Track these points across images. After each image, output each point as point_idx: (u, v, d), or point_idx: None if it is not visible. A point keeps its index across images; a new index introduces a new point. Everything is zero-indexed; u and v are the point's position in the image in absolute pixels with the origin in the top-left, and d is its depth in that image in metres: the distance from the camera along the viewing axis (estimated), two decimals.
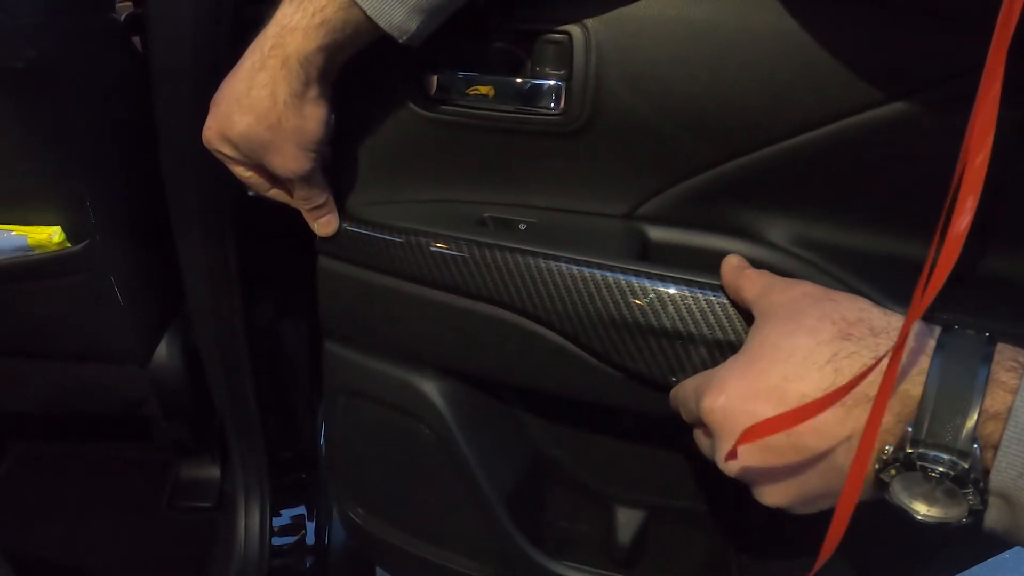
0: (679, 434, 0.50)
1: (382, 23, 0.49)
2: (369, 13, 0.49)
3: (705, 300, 0.53)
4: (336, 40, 0.50)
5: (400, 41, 0.51)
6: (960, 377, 0.36)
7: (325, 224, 0.63)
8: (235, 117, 0.53)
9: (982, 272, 0.56)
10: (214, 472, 1.13)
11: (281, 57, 0.50)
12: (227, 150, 0.56)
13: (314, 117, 0.54)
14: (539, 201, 0.62)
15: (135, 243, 0.85)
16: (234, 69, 0.54)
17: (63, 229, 0.78)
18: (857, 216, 0.57)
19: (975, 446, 0.35)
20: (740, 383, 0.41)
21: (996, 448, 0.35)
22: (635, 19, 0.53)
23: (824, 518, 0.42)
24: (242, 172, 0.58)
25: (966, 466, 0.35)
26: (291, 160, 0.55)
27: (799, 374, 0.40)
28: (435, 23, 0.52)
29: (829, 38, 0.50)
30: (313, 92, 0.53)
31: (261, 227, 0.80)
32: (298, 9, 0.49)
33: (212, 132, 0.55)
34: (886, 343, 0.39)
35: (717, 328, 0.53)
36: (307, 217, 0.63)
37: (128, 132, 0.82)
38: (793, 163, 0.55)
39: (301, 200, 0.61)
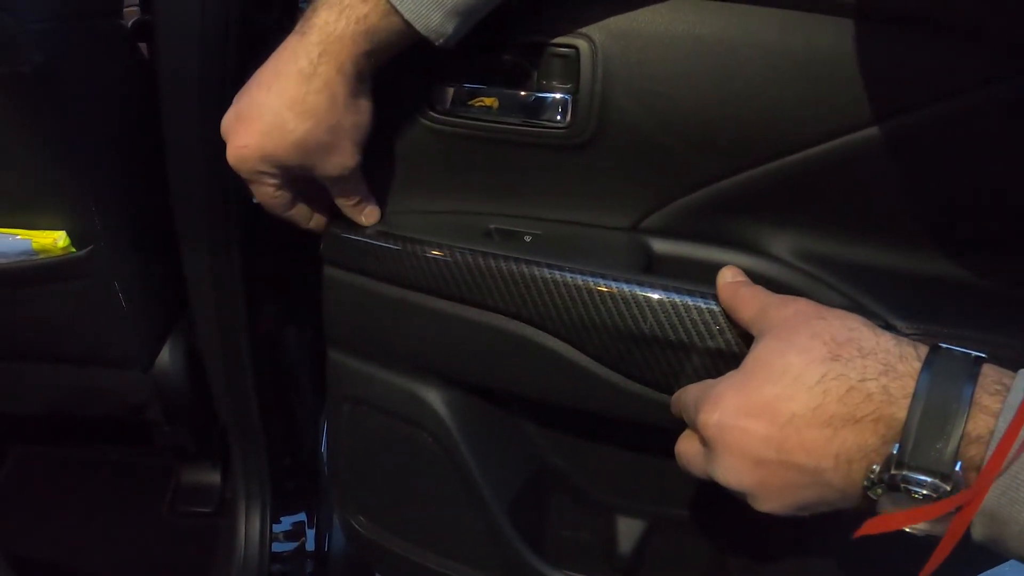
0: None
1: (420, 27, 0.50)
2: (407, 18, 0.50)
3: (708, 311, 0.54)
4: (380, 44, 0.52)
5: (436, 44, 0.52)
6: (944, 401, 0.37)
7: (370, 214, 0.63)
8: (290, 125, 0.53)
9: (977, 281, 0.56)
10: (215, 477, 1.13)
11: (335, 64, 0.51)
12: (267, 166, 0.55)
13: (367, 110, 0.56)
14: (544, 213, 0.62)
15: (139, 248, 0.85)
16: (270, 80, 0.53)
17: (68, 234, 0.78)
18: (859, 229, 0.58)
19: (957, 469, 0.36)
20: (734, 400, 0.42)
21: (978, 470, 0.36)
22: (642, 34, 0.53)
23: (823, 524, 0.43)
24: (271, 192, 0.58)
25: (948, 488, 0.37)
26: (348, 157, 0.56)
27: (790, 394, 0.41)
28: (468, 25, 0.52)
29: (834, 54, 0.51)
30: (364, 88, 0.55)
31: (266, 235, 0.80)
32: (340, 16, 0.50)
33: (251, 149, 0.54)
34: (873, 364, 0.40)
35: (720, 338, 0.54)
36: (351, 213, 0.63)
37: (134, 138, 0.82)
38: (797, 177, 0.55)
39: (346, 198, 0.61)
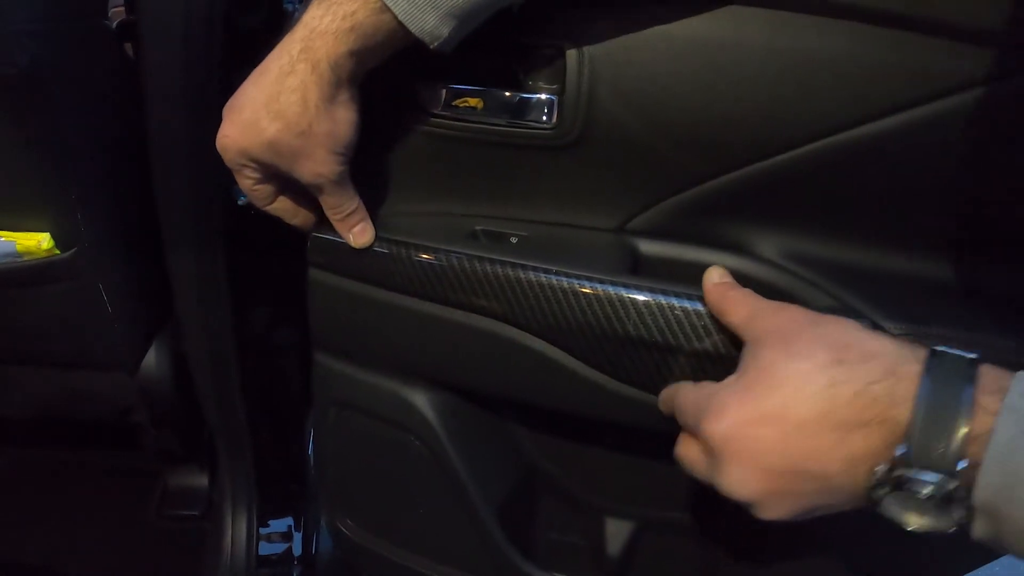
0: (670, 446, 0.50)
1: (413, 28, 0.49)
2: (401, 18, 0.48)
3: (695, 312, 0.53)
4: (367, 45, 0.50)
5: (431, 47, 0.50)
6: (946, 402, 0.38)
7: (360, 233, 0.60)
8: (263, 123, 0.51)
9: (972, 283, 0.56)
10: (202, 481, 1.12)
11: (311, 61, 0.50)
12: (245, 159, 0.54)
13: (345, 120, 0.53)
14: (531, 214, 0.62)
15: (124, 251, 0.85)
16: (257, 73, 0.52)
17: (52, 236, 0.77)
18: (848, 230, 0.58)
19: (960, 467, 0.37)
20: (740, 409, 0.42)
21: (979, 467, 0.36)
22: (629, 34, 0.53)
23: (816, 528, 0.43)
24: (251, 184, 0.57)
25: (951, 488, 0.37)
26: (322, 165, 0.54)
27: (798, 400, 0.40)
28: (466, 29, 0.51)
29: (823, 55, 0.51)
30: (343, 95, 0.52)
31: (252, 237, 0.80)
32: (327, 12, 0.49)
33: (231, 140, 0.53)
34: (877, 368, 0.40)
35: (707, 339, 0.53)
36: (339, 228, 0.60)
37: (119, 139, 0.81)
38: (784, 178, 0.55)
39: (331, 209, 0.59)
